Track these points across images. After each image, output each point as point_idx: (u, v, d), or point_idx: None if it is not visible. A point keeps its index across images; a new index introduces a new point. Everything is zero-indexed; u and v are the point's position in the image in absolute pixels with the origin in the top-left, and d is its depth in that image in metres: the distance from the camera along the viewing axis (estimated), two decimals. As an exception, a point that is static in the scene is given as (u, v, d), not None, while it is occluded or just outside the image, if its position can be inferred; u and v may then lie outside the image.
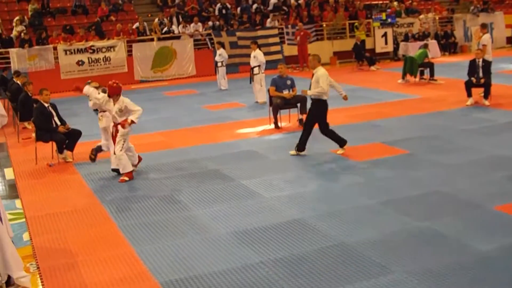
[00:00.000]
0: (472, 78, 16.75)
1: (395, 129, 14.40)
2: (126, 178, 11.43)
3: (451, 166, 11.13)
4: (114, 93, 11.48)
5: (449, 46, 31.80)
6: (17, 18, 26.60)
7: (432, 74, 21.78)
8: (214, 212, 9.40)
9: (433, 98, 18.29)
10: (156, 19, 27.89)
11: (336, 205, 9.34)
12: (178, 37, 27.52)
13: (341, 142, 12.44)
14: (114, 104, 11.47)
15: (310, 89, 12.29)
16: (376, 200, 9.46)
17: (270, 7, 30.70)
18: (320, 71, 12.14)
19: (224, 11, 29.70)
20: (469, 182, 10.12)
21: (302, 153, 12.39)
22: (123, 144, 11.45)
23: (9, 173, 12.90)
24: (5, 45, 25.22)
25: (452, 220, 8.43)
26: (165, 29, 27.55)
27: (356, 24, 29.99)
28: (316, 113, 12.26)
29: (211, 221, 9.00)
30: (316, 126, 12.37)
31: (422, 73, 22.08)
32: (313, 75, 12.28)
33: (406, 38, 30.19)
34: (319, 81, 11.99)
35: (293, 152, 12.46)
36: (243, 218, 9.04)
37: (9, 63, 24.50)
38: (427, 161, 11.58)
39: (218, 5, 30.10)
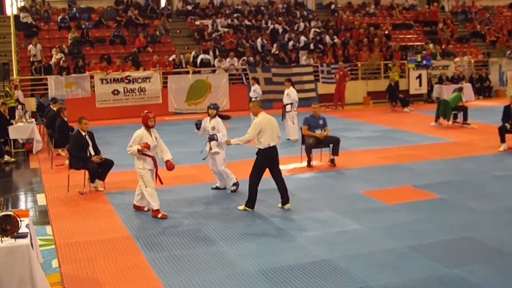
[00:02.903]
0: (506, 124, 16.63)
1: (426, 173, 14.32)
2: (157, 215, 11.25)
3: (483, 212, 11.05)
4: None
5: (483, 90, 31.58)
6: (57, 46, 27.08)
7: (465, 118, 21.67)
8: (242, 248, 9.42)
9: (466, 142, 18.19)
10: (192, 53, 28.18)
11: (364, 247, 9.32)
12: (213, 71, 27.76)
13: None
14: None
15: None
16: (405, 244, 9.41)
17: (301, 44, 30.82)
18: (257, 118, 11.61)
19: (260, 48, 29.92)
20: (501, 229, 10.04)
21: (250, 210, 11.54)
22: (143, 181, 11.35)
23: (41, 199, 13.05)
24: (44, 72, 25.64)
25: (482, 267, 8.34)
26: (199, 59, 27.86)
27: (389, 65, 29.99)
28: (256, 163, 11.60)
29: (238, 257, 9.02)
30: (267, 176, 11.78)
31: (455, 116, 21.98)
32: None
33: (441, 81, 30.10)
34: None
35: (242, 207, 11.61)
36: (271, 256, 9.05)
37: (47, 89, 24.85)
38: (458, 206, 11.50)
39: (259, 39, 30.34)
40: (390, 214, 11.05)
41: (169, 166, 11.35)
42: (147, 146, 11.13)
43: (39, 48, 26.68)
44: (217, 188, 13.20)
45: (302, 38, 31.10)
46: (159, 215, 11.16)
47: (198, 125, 13.01)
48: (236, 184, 12.95)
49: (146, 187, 11.21)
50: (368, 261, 8.70)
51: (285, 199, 11.67)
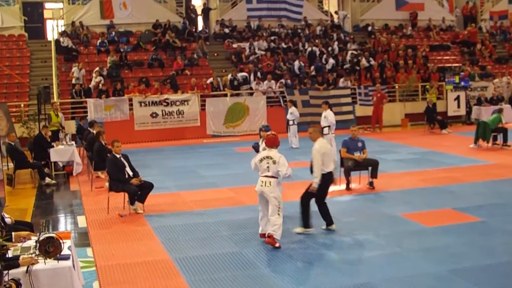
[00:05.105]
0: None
1: (467, 195, 14.18)
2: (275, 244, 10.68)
3: (525, 236, 10.92)
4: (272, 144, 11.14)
5: (524, 111, 31.16)
6: (96, 69, 27.47)
7: (505, 139, 21.44)
8: (281, 271, 9.40)
9: (507, 164, 17.95)
10: (229, 75, 28.33)
11: (404, 271, 9.24)
12: (251, 94, 27.89)
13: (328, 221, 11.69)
14: None
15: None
16: (445, 267, 9.31)
17: (329, 66, 30.80)
18: (316, 144, 11.51)
19: (298, 70, 29.98)
20: (543, 254, 9.91)
21: (311, 230, 11.56)
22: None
23: (81, 221, 13.18)
24: (83, 95, 25.99)
25: (524, 293, 8.24)
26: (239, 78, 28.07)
27: (427, 86, 29.76)
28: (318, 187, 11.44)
29: (278, 281, 9.00)
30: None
31: (495, 138, 21.72)
32: None
33: (479, 102, 29.79)
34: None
35: (299, 229, 11.49)
36: (311, 279, 9.03)
37: (87, 112, 25.18)
38: (500, 229, 11.36)
39: (296, 62, 30.44)
40: (430, 237, 10.96)
41: None
42: None
43: (83, 73, 27.12)
44: None
45: (333, 60, 31.08)
46: (277, 245, 10.63)
47: (256, 148, 12.89)
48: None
49: (279, 215, 10.75)
50: (408, 285, 8.63)
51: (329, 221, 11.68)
